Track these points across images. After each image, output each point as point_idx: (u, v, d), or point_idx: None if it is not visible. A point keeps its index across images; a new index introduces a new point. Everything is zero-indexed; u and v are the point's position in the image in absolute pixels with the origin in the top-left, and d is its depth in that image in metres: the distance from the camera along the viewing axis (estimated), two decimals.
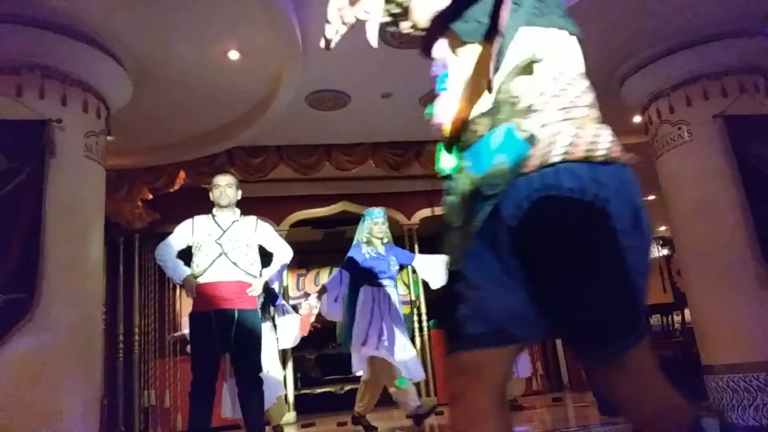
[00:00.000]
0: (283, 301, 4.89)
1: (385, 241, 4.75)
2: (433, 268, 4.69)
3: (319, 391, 8.67)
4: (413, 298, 7.47)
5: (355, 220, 7.66)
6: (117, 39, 3.70)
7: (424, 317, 7.25)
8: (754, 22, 4.05)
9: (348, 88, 5.00)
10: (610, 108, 5.96)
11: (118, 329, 6.11)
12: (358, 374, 4.81)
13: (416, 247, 7.13)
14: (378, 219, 4.71)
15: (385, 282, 4.57)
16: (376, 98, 5.18)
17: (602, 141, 1.06)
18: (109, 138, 3.85)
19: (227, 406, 4.33)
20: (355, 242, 4.74)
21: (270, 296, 4.48)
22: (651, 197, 8.14)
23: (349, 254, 4.63)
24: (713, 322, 3.94)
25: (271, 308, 4.59)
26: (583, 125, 1.07)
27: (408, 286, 7.63)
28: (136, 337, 6.29)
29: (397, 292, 4.71)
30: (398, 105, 5.30)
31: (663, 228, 9.81)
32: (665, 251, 9.88)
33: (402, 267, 4.91)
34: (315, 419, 6.55)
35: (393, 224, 7.50)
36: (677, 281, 9.07)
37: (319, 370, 9.04)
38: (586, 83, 1.15)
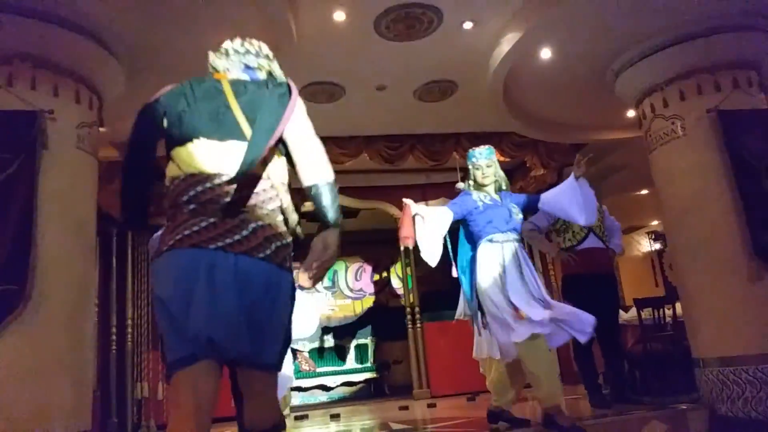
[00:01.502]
0: None
1: (502, 186, 3.55)
2: (569, 200, 3.36)
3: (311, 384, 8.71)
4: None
5: (349, 213, 7.69)
6: (110, 30, 3.67)
7: (417, 309, 7.27)
8: (748, 17, 4.06)
9: (343, 81, 4.99)
10: (604, 102, 5.97)
11: (110, 321, 6.09)
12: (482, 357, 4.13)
13: None
14: (481, 161, 3.49)
15: (510, 236, 3.34)
16: (371, 91, 5.16)
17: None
18: (101, 129, 3.82)
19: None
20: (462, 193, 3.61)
21: None
22: (644, 191, 8.20)
23: (456, 200, 3.47)
24: (704, 316, 3.97)
25: None
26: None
27: (401, 279, 7.62)
28: (129, 329, 6.27)
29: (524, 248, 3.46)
30: (393, 98, 5.29)
31: (655, 222, 9.88)
32: (657, 245, 9.95)
33: (526, 213, 3.59)
34: (306, 411, 6.58)
35: (386, 217, 7.52)
36: (669, 275, 9.14)
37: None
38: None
